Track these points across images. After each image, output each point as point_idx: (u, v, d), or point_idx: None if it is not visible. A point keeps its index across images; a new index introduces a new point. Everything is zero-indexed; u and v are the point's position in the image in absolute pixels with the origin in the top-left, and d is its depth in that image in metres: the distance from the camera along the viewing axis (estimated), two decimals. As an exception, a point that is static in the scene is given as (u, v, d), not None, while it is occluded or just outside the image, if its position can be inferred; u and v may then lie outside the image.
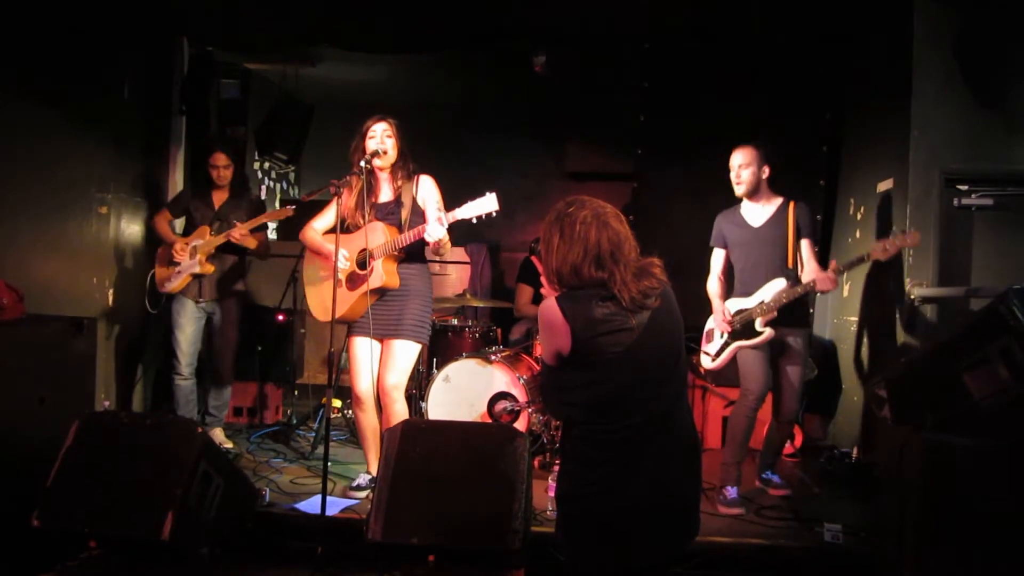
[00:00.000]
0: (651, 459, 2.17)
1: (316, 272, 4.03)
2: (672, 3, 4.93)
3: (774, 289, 3.98)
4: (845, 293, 5.12)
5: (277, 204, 7.35)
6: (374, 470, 3.99)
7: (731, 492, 3.89)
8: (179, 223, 5.03)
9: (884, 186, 4.57)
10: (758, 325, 3.97)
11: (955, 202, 4.10)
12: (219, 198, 4.82)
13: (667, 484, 2.20)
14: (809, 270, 3.99)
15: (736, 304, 4.11)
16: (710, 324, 4.25)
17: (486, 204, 3.58)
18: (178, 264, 4.64)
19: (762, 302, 3.98)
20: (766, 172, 4.04)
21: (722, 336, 4.13)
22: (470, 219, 3.61)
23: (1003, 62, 4.07)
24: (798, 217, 4.04)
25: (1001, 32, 4.07)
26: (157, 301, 4.81)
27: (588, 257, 2.20)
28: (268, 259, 4.97)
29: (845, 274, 5.15)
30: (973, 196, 4.07)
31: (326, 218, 3.98)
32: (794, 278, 4.00)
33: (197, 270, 4.64)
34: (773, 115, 5.48)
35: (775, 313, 3.94)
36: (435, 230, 3.60)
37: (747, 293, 4.08)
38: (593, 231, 2.21)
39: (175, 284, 4.65)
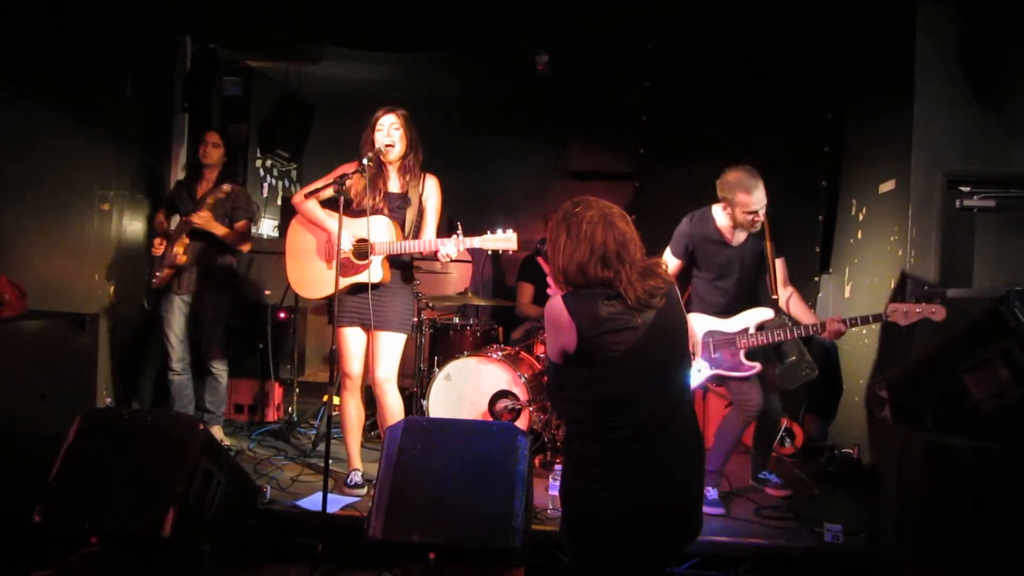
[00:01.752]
0: (654, 457, 2.18)
1: (303, 243, 3.98)
2: (674, 3, 4.93)
3: (758, 318, 3.80)
4: (847, 294, 5.13)
5: (279, 202, 7.35)
6: (359, 464, 4.03)
7: (711, 493, 3.83)
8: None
9: (886, 187, 4.58)
10: (743, 356, 3.78)
11: (957, 203, 4.10)
12: (202, 189, 4.71)
13: (669, 482, 2.21)
14: (790, 295, 3.90)
15: (708, 323, 3.89)
16: None
17: (505, 242, 3.63)
18: (162, 258, 4.59)
19: (745, 330, 3.80)
20: None
21: (695, 356, 3.86)
22: (485, 251, 3.67)
23: (1005, 64, 4.07)
24: (775, 233, 3.86)
25: (1003, 34, 4.07)
26: (151, 298, 4.77)
27: (594, 256, 2.22)
28: (269, 255, 4.95)
29: (847, 274, 5.17)
30: (975, 197, 4.07)
31: (326, 190, 3.86)
32: (776, 307, 3.86)
33: (174, 261, 4.57)
34: (775, 115, 5.48)
35: (759, 348, 3.77)
36: (450, 251, 3.66)
37: (720, 311, 3.89)
38: (599, 231, 2.23)
39: (159, 278, 4.60)
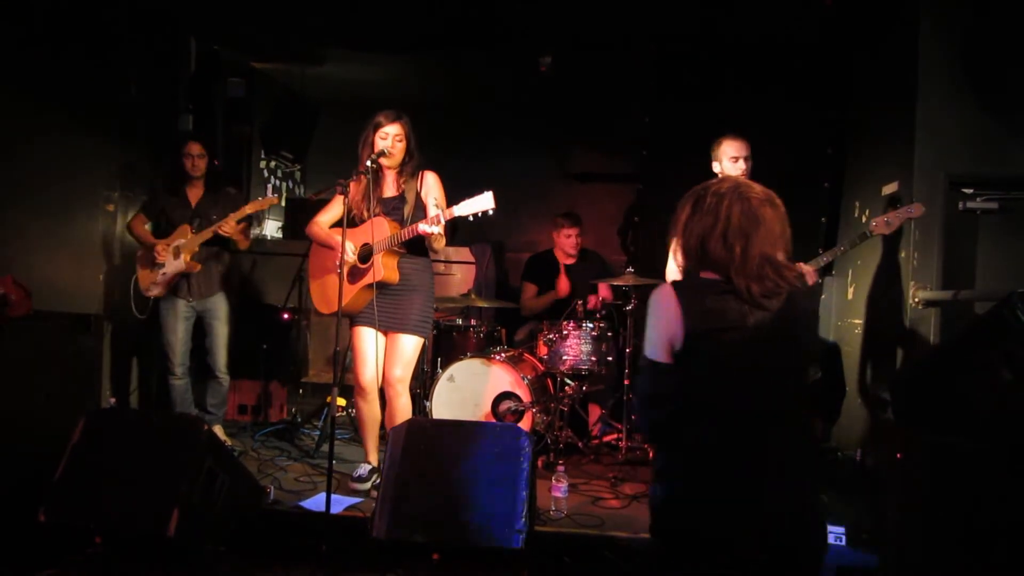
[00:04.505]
0: (747, 472, 1.99)
1: (319, 265, 4.07)
2: (678, 5, 4.94)
3: None
4: (849, 295, 5.12)
5: (283, 203, 7.37)
6: (374, 459, 4.06)
7: None
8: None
9: (889, 189, 4.57)
10: None
11: (960, 205, 4.09)
12: (195, 195, 4.72)
13: (763, 501, 1.99)
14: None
15: None
16: None
17: (482, 202, 3.59)
18: (162, 266, 4.56)
19: None
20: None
21: None
22: (467, 216, 3.62)
23: (1010, 66, 4.07)
24: None
25: (1008, 35, 4.06)
26: (144, 306, 4.76)
27: (717, 229, 2.02)
28: (272, 256, 4.98)
29: (850, 276, 5.17)
30: (978, 199, 4.06)
31: (331, 212, 4.03)
32: None
33: (183, 269, 4.58)
34: (778, 116, 5.48)
35: None
36: (429, 225, 3.63)
37: None
38: (726, 203, 2.04)
39: (163, 286, 4.60)
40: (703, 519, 2.01)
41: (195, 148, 4.71)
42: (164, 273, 4.59)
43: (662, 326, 2.01)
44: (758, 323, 1.98)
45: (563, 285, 5.36)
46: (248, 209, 4.61)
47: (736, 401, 2.00)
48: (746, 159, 4.00)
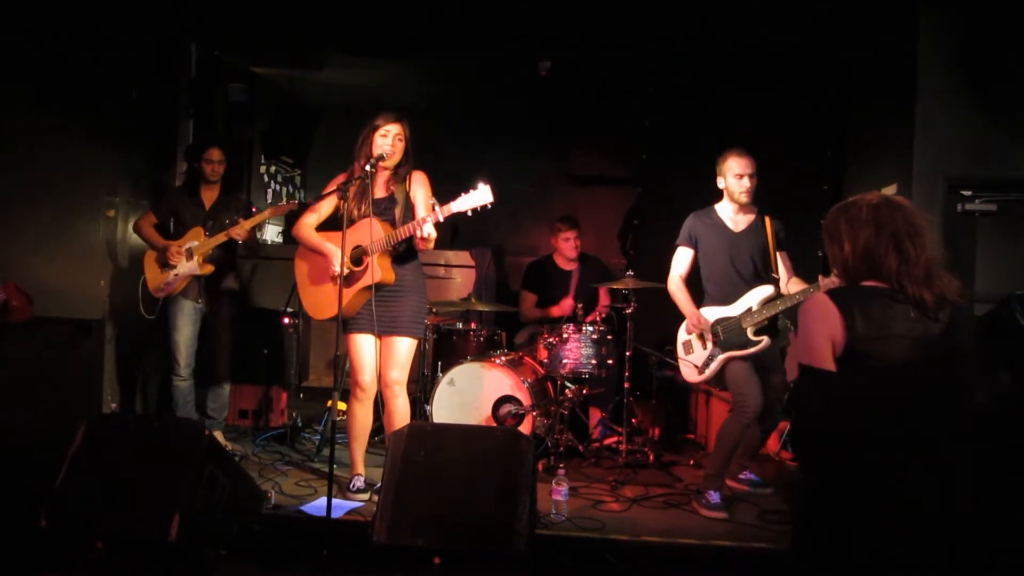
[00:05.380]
0: (900, 495, 1.91)
1: (308, 271, 4.02)
2: (678, 9, 4.96)
3: (760, 296, 3.89)
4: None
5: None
6: (362, 470, 4.06)
7: (714, 497, 3.83)
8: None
9: (888, 191, 4.58)
10: (750, 333, 3.86)
11: (959, 207, 4.10)
12: (209, 198, 4.77)
13: (920, 528, 1.93)
14: (791, 281, 3.98)
15: (715, 312, 4.00)
16: (684, 334, 4.13)
17: (480, 196, 3.58)
18: (174, 267, 4.60)
19: (749, 309, 3.89)
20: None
21: (706, 347, 4.00)
22: (465, 212, 3.61)
23: (1007, 68, 4.09)
24: (776, 230, 4.04)
25: (1006, 38, 4.08)
26: (152, 306, 4.77)
27: (883, 235, 1.98)
28: (272, 260, 5.01)
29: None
30: (977, 202, 4.08)
31: (318, 212, 4.00)
32: (777, 286, 3.95)
33: (197, 272, 4.62)
34: (777, 119, 5.49)
35: (766, 321, 3.86)
36: (429, 228, 3.63)
37: (725, 300, 3.99)
38: (884, 211, 2.01)
39: (175, 287, 4.63)
40: (864, 550, 1.91)
41: (216, 154, 4.77)
42: (176, 275, 4.62)
43: (820, 329, 1.94)
44: (925, 335, 1.92)
45: (566, 306, 5.35)
46: (267, 214, 4.74)
47: (901, 414, 1.91)
48: (751, 176, 3.97)
